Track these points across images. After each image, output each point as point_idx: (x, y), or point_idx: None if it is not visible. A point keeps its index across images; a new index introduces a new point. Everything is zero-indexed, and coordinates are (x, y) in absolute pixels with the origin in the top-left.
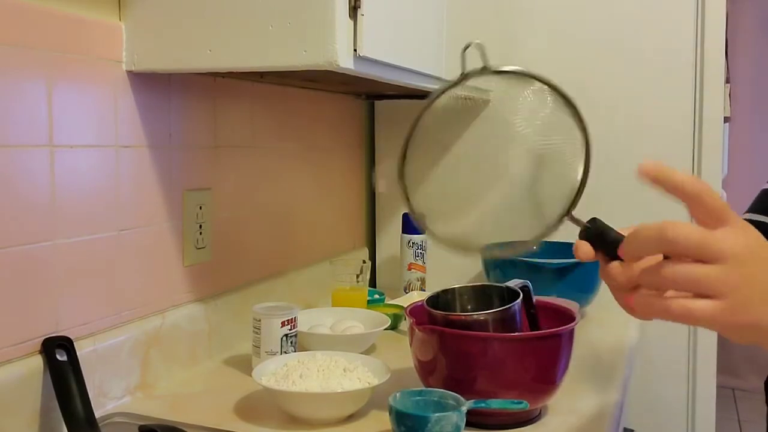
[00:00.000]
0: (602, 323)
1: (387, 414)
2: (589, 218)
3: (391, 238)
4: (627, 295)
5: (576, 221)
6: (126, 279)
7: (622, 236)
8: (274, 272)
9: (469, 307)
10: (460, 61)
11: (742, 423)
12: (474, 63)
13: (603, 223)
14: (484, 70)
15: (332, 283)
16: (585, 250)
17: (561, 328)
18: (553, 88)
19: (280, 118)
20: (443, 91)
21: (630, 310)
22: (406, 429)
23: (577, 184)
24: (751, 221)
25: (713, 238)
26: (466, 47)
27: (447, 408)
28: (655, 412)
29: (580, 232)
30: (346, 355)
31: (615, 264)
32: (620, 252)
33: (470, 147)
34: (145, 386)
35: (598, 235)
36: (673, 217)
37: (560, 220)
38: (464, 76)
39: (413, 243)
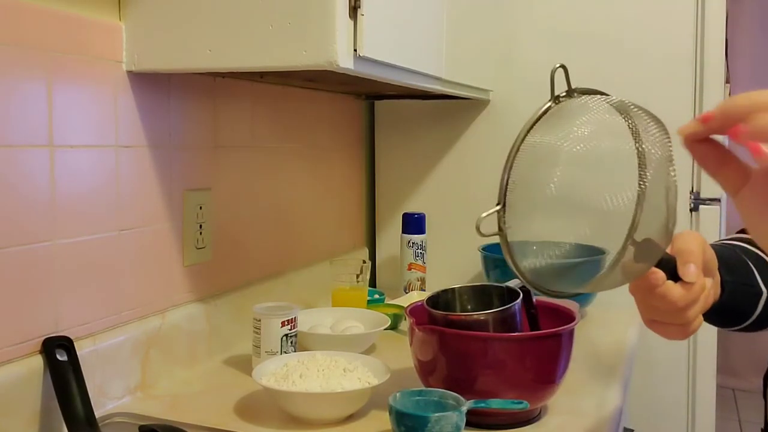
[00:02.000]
0: (602, 323)
1: (387, 414)
2: (643, 239)
3: (391, 238)
4: (680, 317)
5: (635, 243)
6: (126, 279)
7: (673, 256)
8: (274, 272)
9: (469, 307)
10: (549, 85)
11: (742, 423)
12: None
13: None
14: (572, 93)
15: (332, 283)
16: (656, 277)
17: (561, 328)
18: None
19: (280, 118)
20: (537, 120)
21: (661, 330)
22: (406, 429)
23: (632, 213)
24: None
25: None
26: (554, 70)
27: (447, 408)
28: (655, 412)
29: (636, 254)
30: (346, 355)
31: (675, 286)
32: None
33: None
34: (145, 386)
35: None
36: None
37: (624, 247)
38: (555, 99)
39: (413, 243)
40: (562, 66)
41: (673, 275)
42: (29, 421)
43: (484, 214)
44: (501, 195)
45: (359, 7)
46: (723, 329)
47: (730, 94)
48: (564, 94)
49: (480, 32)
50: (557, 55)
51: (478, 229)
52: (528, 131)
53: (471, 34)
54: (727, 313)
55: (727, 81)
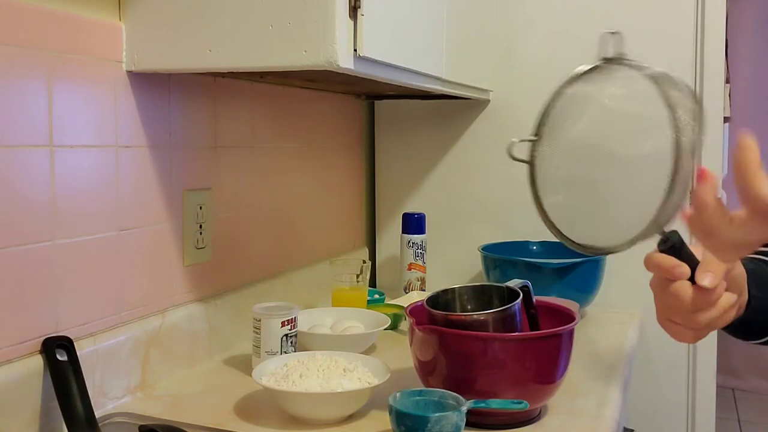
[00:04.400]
0: (602, 323)
1: (387, 414)
2: (671, 230)
3: (391, 238)
4: (692, 320)
5: (660, 230)
6: (126, 279)
7: (697, 259)
8: (274, 272)
9: (469, 307)
10: (598, 46)
11: (742, 423)
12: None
13: (681, 238)
14: (620, 59)
15: (332, 283)
16: (683, 271)
17: (561, 328)
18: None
19: (280, 118)
20: (581, 75)
21: (671, 330)
22: (406, 429)
23: (664, 194)
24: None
25: None
26: (607, 33)
27: (447, 408)
28: (655, 412)
29: (659, 242)
30: (346, 355)
31: (689, 286)
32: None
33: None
34: (145, 386)
35: (678, 249)
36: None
37: (650, 227)
38: (606, 60)
39: (413, 243)
40: (616, 32)
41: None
42: (29, 421)
43: (518, 140)
44: (537, 126)
45: (359, 7)
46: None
47: (730, 95)
48: (612, 57)
49: (480, 32)
50: (557, 55)
51: (509, 152)
52: (572, 80)
53: (471, 34)
54: (750, 327)
55: (727, 81)
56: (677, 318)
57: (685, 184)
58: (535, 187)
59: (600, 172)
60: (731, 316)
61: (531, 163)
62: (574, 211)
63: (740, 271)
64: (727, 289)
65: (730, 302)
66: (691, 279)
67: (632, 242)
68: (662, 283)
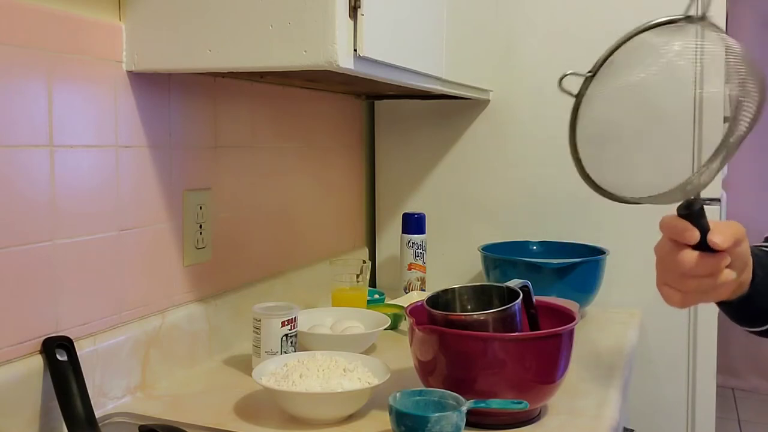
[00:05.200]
0: (602, 323)
1: (387, 414)
2: (695, 197)
3: (391, 238)
4: (682, 283)
5: (686, 195)
6: (126, 279)
7: (709, 227)
8: (274, 272)
9: (469, 307)
10: (689, 3)
11: (742, 423)
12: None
13: (703, 208)
14: (704, 20)
15: (332, 283)
16: (692, 235)
17: (561, 328)
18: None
19: (280, 118)
20: (659, 24)
21: (664, 292)
22: (406, 429)
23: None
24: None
25: None
26: None
27: (447, 408)
28: (655, 412)
29: (680, 206)
30: (346, 355)
31: (691, 252)
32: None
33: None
34: (145, 386)
35: (696, 217)
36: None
37: (677, 190)
38: (688, 17)
39: (413, 243)
40: None
41: (700, 244)
42: (29, 421)
43: (571, 72)
44: (596, 65)
45: (359, 7)
46: (742, 327)
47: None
48: (698, 17)
49: (480, 32)
50: (557, 54)
51: (560, 83)
52: (647, 29)
53: (471, 34)
54: (751, 309)
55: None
56: (670, 280)
57: (727, 157)
58: (575, 121)
59: (643, 123)
60: (727, 291)
61: (579, 97)
62: (606, 154)
63: (746, 248)
64: (730, 266)
65: (728, 278)
66: (698, 248)
67: (654, 199)
68: (668, 246)
